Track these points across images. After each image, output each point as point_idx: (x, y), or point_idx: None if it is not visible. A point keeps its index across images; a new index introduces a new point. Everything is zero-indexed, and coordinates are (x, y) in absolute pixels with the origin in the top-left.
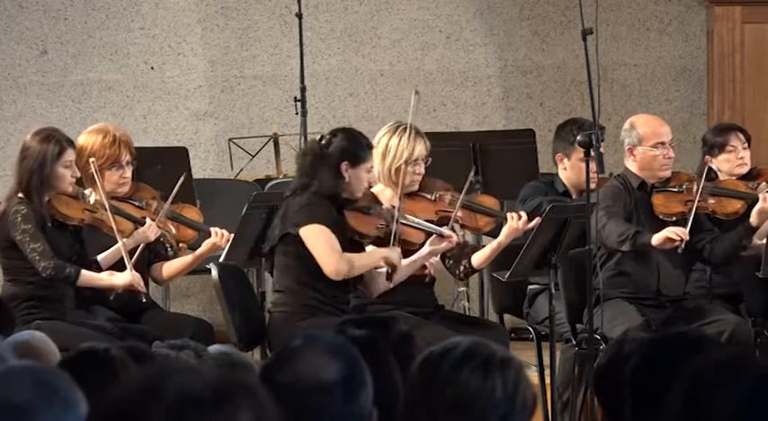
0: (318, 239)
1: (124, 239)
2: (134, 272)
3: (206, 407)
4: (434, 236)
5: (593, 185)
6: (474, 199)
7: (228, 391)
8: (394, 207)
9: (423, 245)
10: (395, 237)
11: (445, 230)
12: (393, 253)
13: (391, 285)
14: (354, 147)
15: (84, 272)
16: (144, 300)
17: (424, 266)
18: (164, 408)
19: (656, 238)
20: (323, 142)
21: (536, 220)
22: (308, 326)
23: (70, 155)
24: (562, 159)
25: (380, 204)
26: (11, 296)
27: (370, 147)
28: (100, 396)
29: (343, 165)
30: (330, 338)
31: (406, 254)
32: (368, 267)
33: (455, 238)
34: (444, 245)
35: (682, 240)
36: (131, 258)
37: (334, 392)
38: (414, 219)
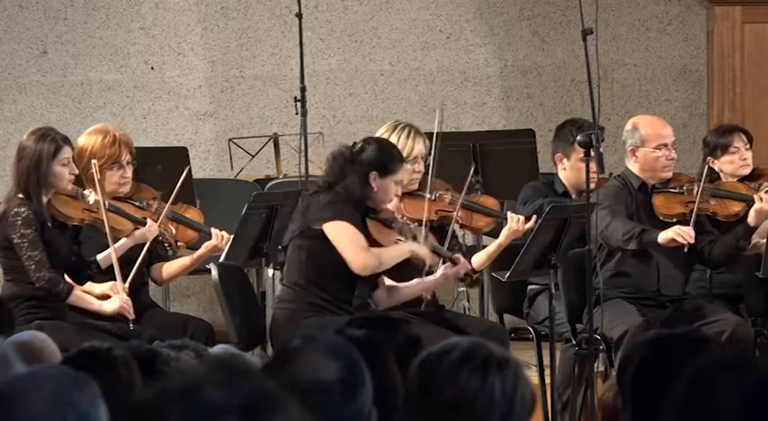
0: (344, 235)
1: (116, 245)
2: (124, 295)
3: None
4: (448, 263)
5: (592, 185)
6: (474, 199)
7: (259, 408)
8: (419, 226)
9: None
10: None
11: (458, 257)
12: (421, 248)
13: (423, 277)
14: (386, 158)
15: (75, 292)
16: (131, 328)
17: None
18: (186, 416)
19: (663, 237)
20: (355, 149)
21: (533, 220)
22: (313, 324)
23: (67, 152)
24: (561, 159)
25: (399, 221)
26: (11, 296)
27: (401, 160)
28: (101, 396)
29: (372, 175)
30: (329, 338)
31: (418, 273)
32: (396, 260)
33: (468, 265)
34: (456, 270)
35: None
36: (138, 259)
37: (333, 392)
38: (434, 243)
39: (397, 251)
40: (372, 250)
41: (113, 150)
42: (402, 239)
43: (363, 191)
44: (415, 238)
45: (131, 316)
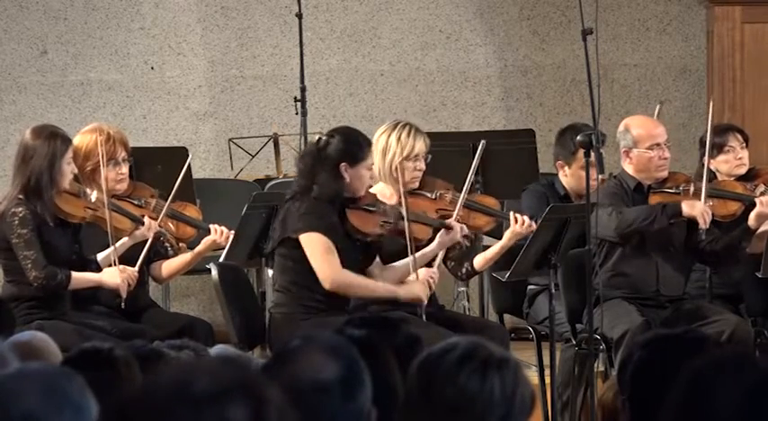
0: (317, 249)
1: (117, 245)
2: (122, 274)
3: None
4: (442, 230)
5: (593, 189)
6: (474, 198)
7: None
8: (399, 204)
9: (429, 241)
10: (408, 237)
11: (451, 222)
12: (415, 287)
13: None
14: (352, 146)
15: (74, 275)
16: (122, 306)
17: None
18: (193, 406)
19: (688, 211)
20: (320, 144)
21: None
22: (311, 325)
23: (71, 151)
24: (563, 166)
25: (383, 202)
26: (11, 296)
27: (368, 144)
28: (102, 396)
29: (343, 166)
30: (328, 338)
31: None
32: (372, 296)
33: (463, 229)
34: (451, 236)
35: (704, 228)
36: (140, 256)
37: (333, 392)
38: (419, 213)
39: (381, 290)
40: (345, 272)
41: (108, 147)
42: (386, 221)
43: (336, 185)
44: (401, 218)
45: (124, 294)
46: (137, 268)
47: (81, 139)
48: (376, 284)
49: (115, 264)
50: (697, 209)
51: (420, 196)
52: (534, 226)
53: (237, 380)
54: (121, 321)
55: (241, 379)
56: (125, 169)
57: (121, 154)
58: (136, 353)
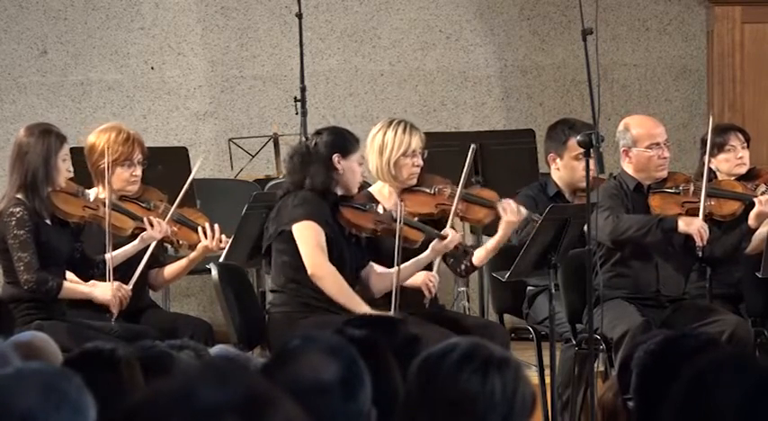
0: (308, 237)
1: (128, 247)
2: (115, 287)
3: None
4: (435, 239)
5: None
6: (473, 191)
7: (258, 405)
8: (396, 205)
9: (423, 242)
10: (398, 236)
11: (445, 231)
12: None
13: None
14: (342, 139)
15: (66, 285)
16: (113, 321)
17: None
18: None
19: (684, 228)
20: (310, 143)
21: (525, 211)
22: (310, 324)
23: (66, 149)
24: (555, 159)
25: (377, 203)
26: (11, 297)
27: (356, 140)
28: (103, 397)
29: (335, 157)
30: (328, 338)
31: (405, 251)
32: (340, 300)
33: (456, 238)
34: (445, 244)
35: (701, 246)
36: (144, 258)
37: (333, 392)
38: (414, 220)
39: (354, 302)
40: (332, 268)
41: (126, 147)
42: (384, 224)
43: (329, 177)
44: (393, 220)
45: (115, 311)
46: (130, 286)
47: (98, 137)
48: (353, 294)
49: (110, 273)
50: (693, 226)
51: (419, 192)
52: (524, 212)
53: (240, 395)
54: (122, 322)
55: (245, 394)
56: (139, 171)
57: (137, 156)
58: (145, 355)
